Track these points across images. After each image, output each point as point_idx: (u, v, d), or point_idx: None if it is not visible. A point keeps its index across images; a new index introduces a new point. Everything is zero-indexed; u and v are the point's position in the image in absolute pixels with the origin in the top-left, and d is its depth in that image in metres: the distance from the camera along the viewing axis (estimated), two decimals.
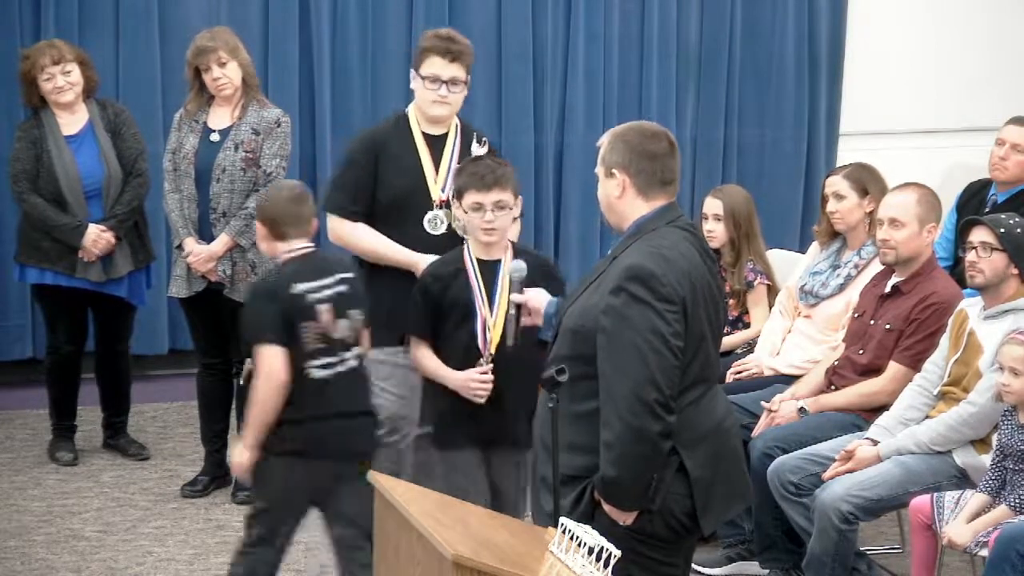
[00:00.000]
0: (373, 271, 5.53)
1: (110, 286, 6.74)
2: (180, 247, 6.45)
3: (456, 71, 5.52)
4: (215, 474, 6.69)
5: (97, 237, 6.60)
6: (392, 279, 5.46)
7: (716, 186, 7.27)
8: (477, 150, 5.49)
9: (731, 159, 8.49)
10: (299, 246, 5.03)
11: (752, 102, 8.46)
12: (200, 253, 6.37)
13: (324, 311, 4.97)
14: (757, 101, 8.46)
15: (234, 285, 6.40)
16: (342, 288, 5.03)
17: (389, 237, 5.51)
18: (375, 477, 4.22)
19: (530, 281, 4.83)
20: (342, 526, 5.07)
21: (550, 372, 4.04)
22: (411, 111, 5.62)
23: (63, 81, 6.64)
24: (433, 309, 5.11)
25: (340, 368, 5.02)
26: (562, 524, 3.72)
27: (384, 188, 5.52)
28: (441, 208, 5.50)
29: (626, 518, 4.13)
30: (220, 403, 6.66)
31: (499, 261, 5.11)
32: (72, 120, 6.70)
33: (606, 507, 4.14)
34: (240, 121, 6.38)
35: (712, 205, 6.45)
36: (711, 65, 8.36)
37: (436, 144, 5.58)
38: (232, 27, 6.83)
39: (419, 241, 5.47)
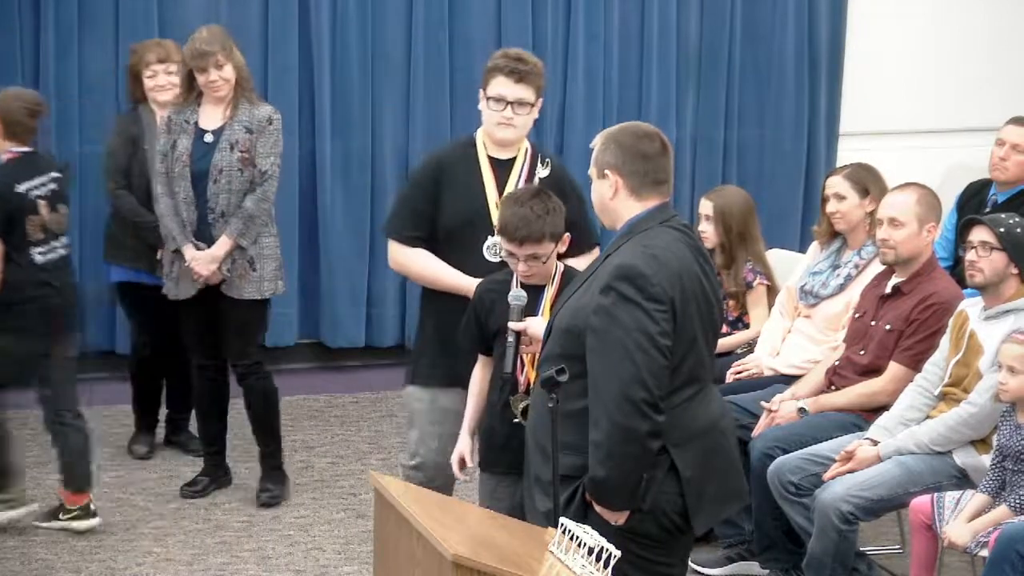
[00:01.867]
0: (429, 298, 5.40)
1: None
2: (178, 252, 6.40)
3: (523, 92, 5.25)
4: (214, 475, 6.69)
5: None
6: (446, 309, 5.28)
7: (716, 186, 7.26)
8: (540, 172, 5.26)
9: (731, 159, 8.47)
10: (20, 148, 6.02)
11: (752, 102, 8.44)
12: (201, 257, 6.35)
13: (43, 205, 6.02)
14: (757, 101, 8.45)
15: (232, 283, 6.38)
16: (54, 185, 6.08)
17: (448, 263, 5.29)
18: (375, 478, 4.21)
19: None
20: (47, 389, 6.15)
21: (549, 372, 4.03)
22: (479, 134, 5.38)
23: (165, 80, 6.72)
24: (481, 326, 4.96)
25: (53, 255, 6.05)
26: (562, 524, 3.72)
27: (445, 213, 5.29)
28: None
29: (617, 518, 4.13)
30: (215, 405, 6.63)
31: (543, 287, 4.91)
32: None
33: (597, 507, 4.13)
34: (232, 120, 6.36)
35: (705, 207, 6.44)
36: (711, 65, 8.34)
37: (503, 168, 5.33)
38: (231, 27, 6.82)
39: (477, 268, 5.23)
